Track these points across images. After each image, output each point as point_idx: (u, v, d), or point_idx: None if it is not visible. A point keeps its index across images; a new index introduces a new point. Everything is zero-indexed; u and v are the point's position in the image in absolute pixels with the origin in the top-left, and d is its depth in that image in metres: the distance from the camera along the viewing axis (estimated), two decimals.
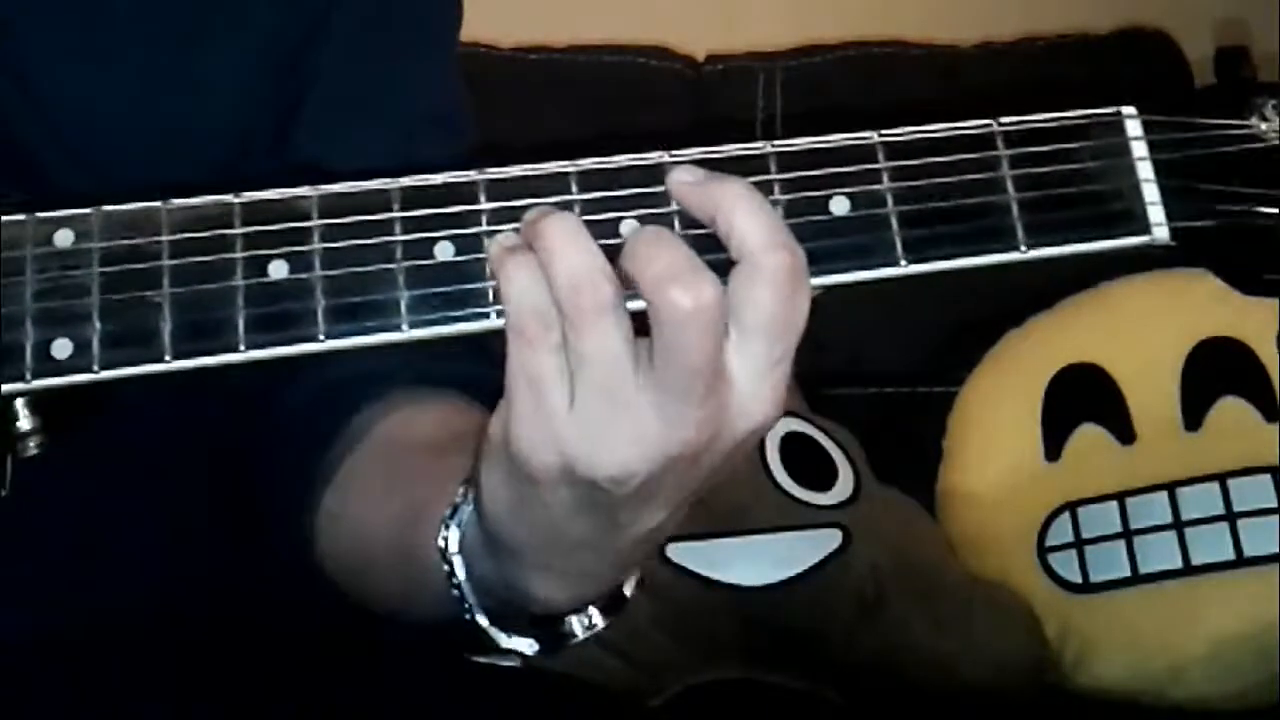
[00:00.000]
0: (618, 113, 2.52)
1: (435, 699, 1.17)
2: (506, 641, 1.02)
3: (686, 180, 0.90)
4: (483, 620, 1.01)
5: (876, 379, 2.56)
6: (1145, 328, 2.35)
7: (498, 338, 0.90)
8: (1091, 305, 2.39)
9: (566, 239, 0.87)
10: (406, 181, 0.91)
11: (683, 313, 0.85)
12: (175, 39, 1.19)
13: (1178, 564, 2.19)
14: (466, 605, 1.01)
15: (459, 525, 1.01)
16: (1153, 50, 2.64)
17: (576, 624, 1.01)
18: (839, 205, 0.92)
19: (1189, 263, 0.96)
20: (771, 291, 0.86)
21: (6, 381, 0.90)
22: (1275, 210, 0.93)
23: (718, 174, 0.90)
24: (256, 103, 1.22)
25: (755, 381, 0.88)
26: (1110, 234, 0.93)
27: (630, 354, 0.86)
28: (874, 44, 2.64)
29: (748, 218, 0.87)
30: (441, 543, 1.01)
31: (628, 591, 1.01)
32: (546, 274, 0.86)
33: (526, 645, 1.02)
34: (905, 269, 0.92)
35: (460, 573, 1.01)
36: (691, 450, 0.88)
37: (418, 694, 1.17)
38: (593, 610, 1.01)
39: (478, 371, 1.10)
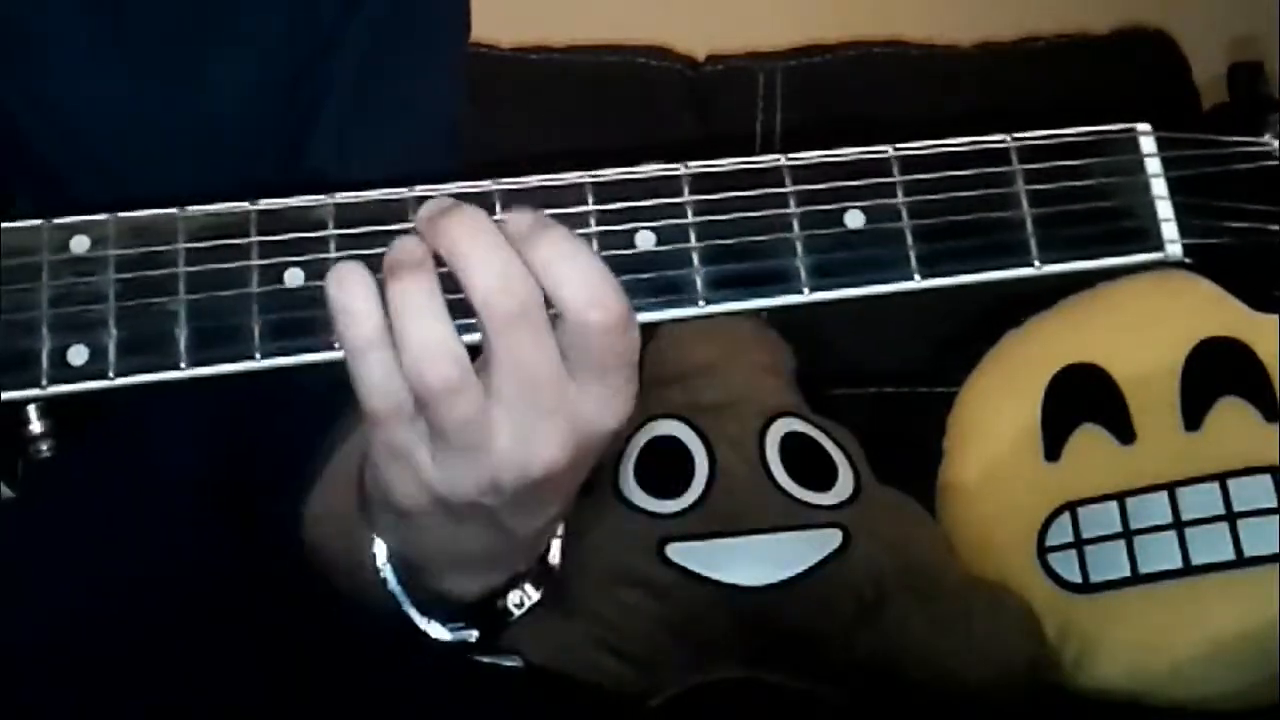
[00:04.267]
0: (618, 113, 2.52)
1: (435, 699, 1.17)
2: (448, 635, 1.05)
3: (515, 229, 0.90)
4: (418, 617, 1.05)
5: (876, 379, 2.56)
6: (1145, 328, 2.35)
7: None
8: (1091, 305, 2.39)
9: (420, 312, 0.88)
10: (422, 190, 0.91)
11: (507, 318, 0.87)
12: (189, 45, 1.19)
13: (1178, 564, 2.19)
14: (402, 605, 1.05)
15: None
16: (1153, 50, 2.64)
17: (512, 603, 1.04)
18: (854, 219, 0.92)
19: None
20: (594, 342, 0.88)
21: (22, 388, 0.90)
22: None
23: (539, 221, 0.90)
24: (269, 109, 1.22)
25: (601, 404, 0.90)
26: (1123, 251, 0.93)
27: (479, 405, 0.89)
28: (874, 44, 2.64)
29: (567, 271, 0.88)
30: (374, 549, 1.05)
31: (554, 560, 1.04)
32: (397, 343, 0.88)
33: (469, 634, 1.05)
34: (920, 283, 0.92)
35: (391, 579, 1.04)
36: (557, 469, 0.91)
37: (418, 694, 1.17)
38: (526, 586, 1.04)
39: None
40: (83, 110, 1.17)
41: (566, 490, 0.96)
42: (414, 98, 1.28)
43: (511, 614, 1.05)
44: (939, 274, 0.92)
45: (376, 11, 1.25)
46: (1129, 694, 2.19)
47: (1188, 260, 0.93)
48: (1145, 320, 2.36)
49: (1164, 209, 0.94)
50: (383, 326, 0.89)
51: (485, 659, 1.58)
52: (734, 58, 2.63)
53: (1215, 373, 2.31)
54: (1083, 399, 2.34)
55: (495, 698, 1.24)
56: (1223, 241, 0.94)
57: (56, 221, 0.91)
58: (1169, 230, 0.94)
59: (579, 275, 0.88)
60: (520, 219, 0.90)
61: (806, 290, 0.91)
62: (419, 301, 0.88)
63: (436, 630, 1.06)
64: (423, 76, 1.29)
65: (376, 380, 0.89)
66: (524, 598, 1.04)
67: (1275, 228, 0.93)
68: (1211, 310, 2.33)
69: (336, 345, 0.90)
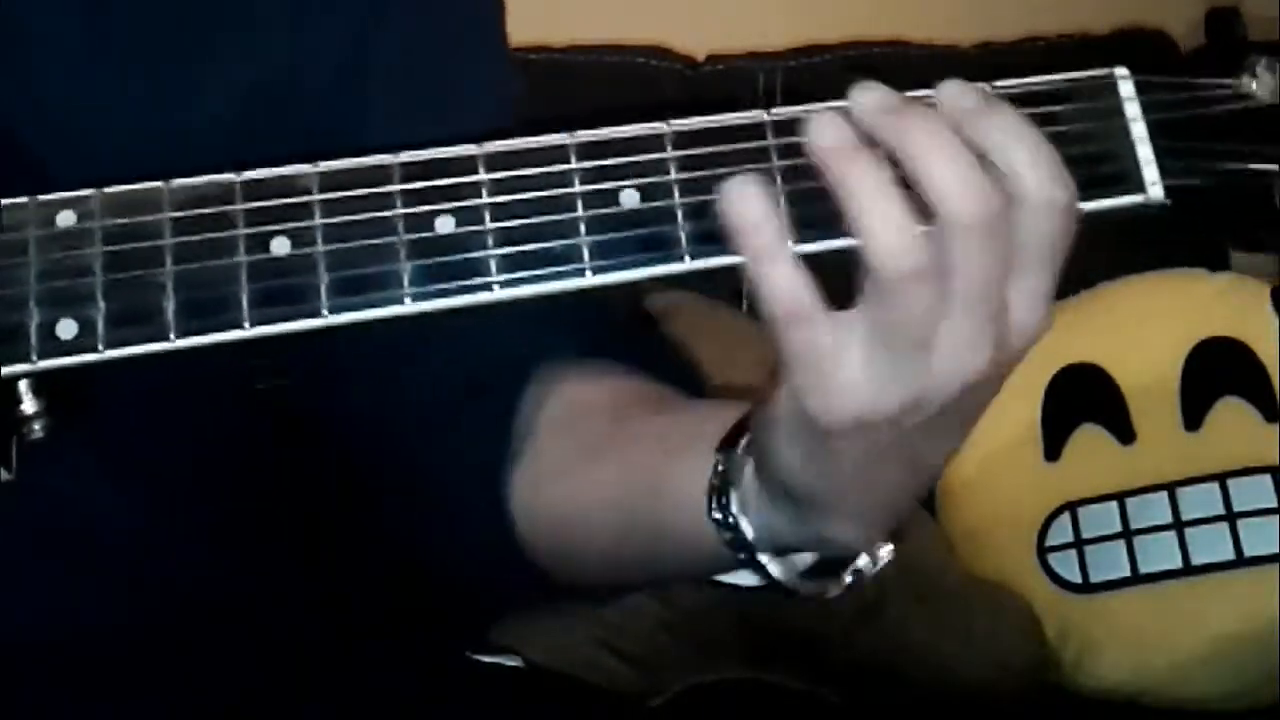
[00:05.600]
0: (618, 113, 2.52)
1: (435, 699, 1.17)
2: (804, 587, 1.02)
3: (961, 105, 0.89)
4: (776, 570, 1.02)
5: None
6: (1145, 328, 2.36)
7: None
8: (1091, 305, 2.40)
9: (880, 197, 0.87)
10: (406, 156, 0.91)
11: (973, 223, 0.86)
12: (182, 47, 1.19)
13: (1178, 564, 2.20)
14: (758, 563, 1.02)
15: (737, 490, 1.01)
16: (1153, 50, 2.64)
17: (864, 562, 1.01)
18: None
19: (1182, 228, 0.96)
20: (1052, 226, 0.87)
21: (12, 363, 0.90)
22: (1268, 167, 0.93)
23: (982, 102, 0.89)
24: (266, 112, 1.22)
25: (1032, 306, 0.89)
26: (1105, 194, 0.93)
27: (935, 299, 0.87)
28: (874, 44, 2.64)
29: (1023, 153, 0.87)
30: (719, 514, 1.01)
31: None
32: (861, 231, 0.87)
33: (818, 587, 1.03)
34: None
35: (749, 533, 1.01)
36: (984, 375, 0.89)
37: (418, 694, 1.17)
38: (880, 546, 1.02)
39: (616, 337, 1.19)
40: (73, 109, 1.17)
41: (972, 416, 0.93)
42: (459, 95, 1.27)
43: (864, 574, 1.02)
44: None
45: (405, 26, 1.24)
46: (1129, 694, 2.19)
47: (1169, 201, 0.93)
48: (1145, 320, 2.36)
49: (1144, 151, 0.93)
50: (780, 230, 0.88)
51: (485, 659, 1.58)
52: (734, 58, 2.64)
53: (1215, 373, 2.31)
54: (1083, 399, 2.34)
55: (495, 698, 1.23)
56: (1204, 182, 0.94)
57: (42, 198, 0.91)
58: (1150, 173, 0.93)
59: (1037, 155, 0.88)
60: (960, 99, 0.89)
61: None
62: (876, 186, 0.86)
63: (791, 580, 1.03)
64: (463, 70, 1.27)
65: (784, 286, 0.88)
66: (877, 557, 1.02)
67: (1255, 167, 0.94)
68: (1211, 310, 2.33)
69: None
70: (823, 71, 2.61)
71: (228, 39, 1.20)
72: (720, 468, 1.02)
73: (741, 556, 1.02)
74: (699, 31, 2.68)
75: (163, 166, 1.03)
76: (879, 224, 0.86)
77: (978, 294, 0.87)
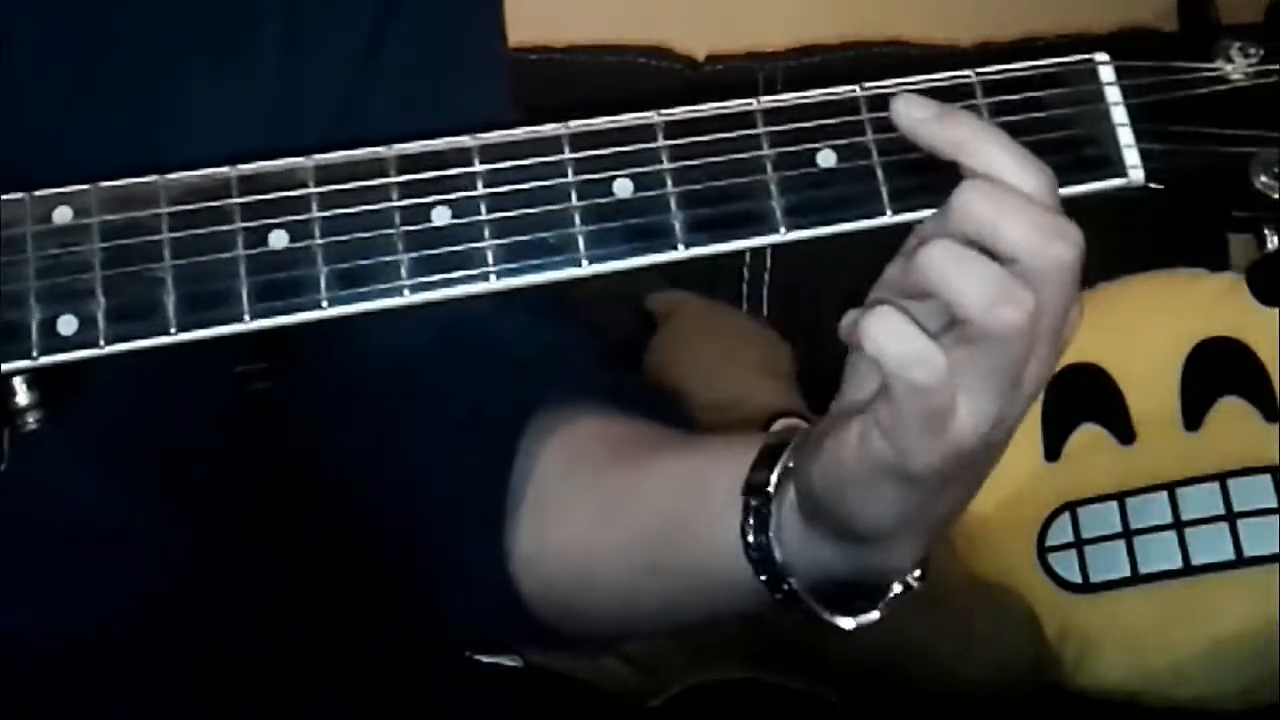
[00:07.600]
0: (617, 113, 2.52)
1: (435, 699, 1.17)
2: (834, 619, 1.03)
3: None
4: (816, 606, 1.03)
5: None
6: (1145, 328, 2.36)
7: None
8: (1091, 305, 2.36)
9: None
10: (402, 148, 0.91)
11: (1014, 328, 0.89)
12: (179, 84, 1.18)
13: (1178, 564, 2.19)
14: (796, 597, 1.02)
15: (771, 524, 1.01)
16: (1152, 50, 2.64)
17: (899, 589, 1.03)
18: (826, 158, 0.93)
19: (1166, 207, 0.98)
20: (1050, 294, 0.90)
21: (14, 359, 0.90)
22: (1243, 149, 0.95)
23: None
24: (257, 149, 1.20)
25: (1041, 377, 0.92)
26: (1088, 178, 0.95)
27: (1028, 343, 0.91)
28: (874, 44, 2.65)
29: (1019, 230, 0.89)
30: (756, 553, 1.02)
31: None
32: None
33: (848, 622, 1.04)
34: (891, 219, 0.93)
35: (779, 556, 1.01)
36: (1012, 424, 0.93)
37: (419, 694, 1.17)
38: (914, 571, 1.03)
39: (607, 379, 1.19)
40: (63, 145, 1.14)
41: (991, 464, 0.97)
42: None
43: (895, 596, 1.04)
44: (910, 208, 0.93)
45: (399, 59, 1.24)
46: (1129, 694, 2.19)
47: (1150, 184, 0.95)
48: (1145, 320, 2.36)
49: (1125, 135, 0.96)
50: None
51: (485, 659, 1.58)
52: (734, 58, 2.64)
53: (1215, 373, 2.31)
54: (1083, 399, 2.34)
55: (495, 698, 1.24)
56: (1183, 165, 0.96)
57: (38, 193, 0.92)
58: (1131, 156, 0.96)
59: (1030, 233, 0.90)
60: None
61: (783, 230, 0.92)
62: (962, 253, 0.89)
63: (825, 612, 1.04)
64: (458, 104, 1.26)
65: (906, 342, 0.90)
66: (912, 580, 1.04)
67: (1232, 150, 0.96)
68: (1211, 310, 2.33)
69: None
70: (823, 71, 2.61)
71: (226, 69, 1.19)
72: (753, 504, 1.02)
73: (778, 592, 1.02)
74: (699, 31, 2.68)
75: None
76: (978, 285, 0.88)
77: (1057, 326, 0.91)
